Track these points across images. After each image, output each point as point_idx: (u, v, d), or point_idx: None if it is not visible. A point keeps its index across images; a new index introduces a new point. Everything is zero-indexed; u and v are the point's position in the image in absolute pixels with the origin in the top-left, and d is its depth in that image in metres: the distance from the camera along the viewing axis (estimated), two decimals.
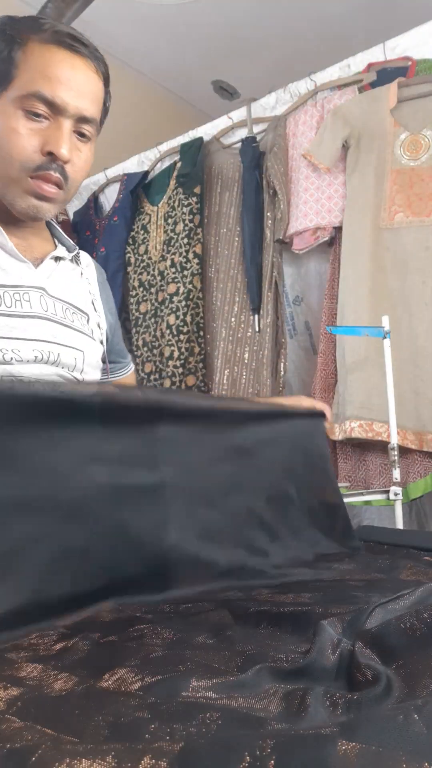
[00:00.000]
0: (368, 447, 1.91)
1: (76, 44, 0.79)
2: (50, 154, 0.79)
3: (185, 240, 2.37)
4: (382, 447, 1.83)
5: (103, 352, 0.95)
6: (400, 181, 1.86)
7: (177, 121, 3.35)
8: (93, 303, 0.96)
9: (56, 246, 0.94)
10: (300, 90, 2.17)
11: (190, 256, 2.35)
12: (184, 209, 2.38)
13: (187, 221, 2.37)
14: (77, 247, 0.98)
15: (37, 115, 0.78)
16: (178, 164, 2.45)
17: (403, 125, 1.88)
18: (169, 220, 2.46)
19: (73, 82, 0.79)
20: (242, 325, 2.23)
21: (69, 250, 0.95)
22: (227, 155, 2.37)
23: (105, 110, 0.88)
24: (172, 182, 2.48)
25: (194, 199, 2.36)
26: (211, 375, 2.27)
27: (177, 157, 2.48)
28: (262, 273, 2.17)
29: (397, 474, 1.55)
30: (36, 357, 0.80)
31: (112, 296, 1.07)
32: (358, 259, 1.90)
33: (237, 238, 2.28)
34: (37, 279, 0.85)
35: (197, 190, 2.37)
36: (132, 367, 1.13)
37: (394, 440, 1.57)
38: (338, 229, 2.00)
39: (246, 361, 2.20)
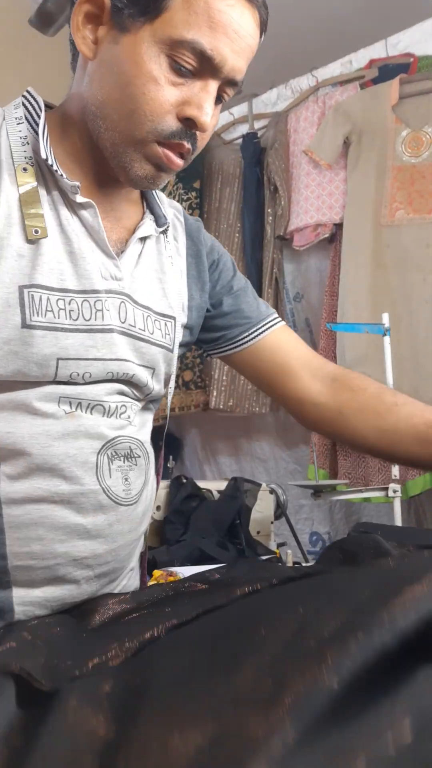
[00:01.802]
0: None
1: None
2: (188, 120, 0.63)
3: None
4: None
5: (175, 357, 0.77)
6: (401, 178, 1.86)
7: None
8: (178, 293, 0.78)
9: (143, 214, 0.75)
10: (301, 86, 2.16)
11: None
12: (184, 204, 2.37)
13: None
14: (167, 215, 0.78)
15: (185, 70, 0.61)
16: None
17: (404, 122, 1.87)
18: None
19: (238, 37, 0.62)
20: None
21: (158, 223, 0.75)
22: (228, 151, 2.36)
23: None
24: (172, 177, 2.47)
25: (194, 193, 2.36)
26: (210, 371, 2.27)
27: None
28: (263, 269, 2.17)
29: (395, 471, 1.56)
30: (107, 377, 0.67)
31: (221, 257, 0.85)
32: (358, 256, 1.90)
33: (237, 234, 2.28)
34: (119, 280, 0.68)
35: (196, 184, 2.36)
36: (274, 322, 0.86)
37: None
38: (339, 226, 2.00)
39: None
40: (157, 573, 1.12)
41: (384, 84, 1.91)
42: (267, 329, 0.84)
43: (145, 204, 0.76)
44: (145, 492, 0.70)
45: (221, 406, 2.19)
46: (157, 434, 0.87)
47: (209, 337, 0.85)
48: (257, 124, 2.27)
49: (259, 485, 1.60)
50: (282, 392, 0.84)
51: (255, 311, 0.85)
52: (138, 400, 0.72)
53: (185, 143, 0.64)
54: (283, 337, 0.85)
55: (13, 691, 0.36)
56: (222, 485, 1.58)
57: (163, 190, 2.58)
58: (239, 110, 2.35)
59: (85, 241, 0.66)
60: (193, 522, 1.42)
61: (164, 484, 1.53)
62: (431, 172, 1.83)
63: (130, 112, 0.62)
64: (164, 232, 0.77)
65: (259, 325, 0.84)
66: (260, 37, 0.67)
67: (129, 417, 0.69)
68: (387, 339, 1.60)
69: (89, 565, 0.64)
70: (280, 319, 0.86)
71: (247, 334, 0.84)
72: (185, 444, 2.70)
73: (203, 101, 0.62)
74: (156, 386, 0.74)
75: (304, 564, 1.38)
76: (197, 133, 0.65)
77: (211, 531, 1.40)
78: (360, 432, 0.80)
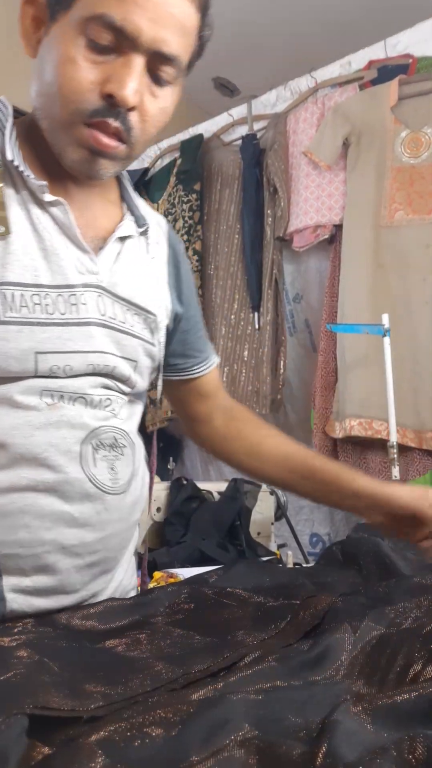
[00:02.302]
0: (368, 445, 1.91)
1: None
2: (110, 96, 0.60)
3: (185, 237, 2.36)
4: (381, 445, 1.84)
5: (159, 353, 0.79)
6: (401, 179, 1.86)
7: (177, 118, 3.33)
8: (159, 292, 0.79)
9: (124, 215, 0.75)
10: (301, 87, 2.16)
11: (190, 253, 2.35)
12: (184, 206, 2.37)
13: (186, 218, 2.36)
14: (147, 219, 0.78)
15: (103, 47, 0.60)
16: (178, 161, 2.45)
17: (403, 123, 1.87)
18: (169, 217, 2.45)
19: (152, 4, 0.59)
20: (242, 323, 2.23)
21: (138, 223, 0.76)
22: (227, 152, 2.36)
23: (199, 47, 0.67)
24: (172, 179, 2.47)
25: (194, 195, 2.36)
26: None
27: (177, 154, 2.48)
28: (262, 270, 2.17)
29: (396, 472, 1.56)
30: (88, 370, 0.68)
31: (190, 284, 0.88)
32: (358, 257, 1.90)
33: (237, 236, 2.28)
34: (96, 273, 0.69)
35: (197, 186, 2.36)
36: (214, 362, 0.94)
37: (394, 438, 1.57)
38: (338, 227, 2.00)
39: (245, 359, 2.20)
40: (157, 575, 1.12)
41: (383, 85, 1.91)
42: (210, 367, 0.92)
43: (125, 206, 0.77)
44: (134, 483, 0.71)
45: None
46: (153, 437, 0.90)
47: (167, 362, 0.88)
48: (256, 126, 2.27)
49: (260, 486, 1.60)
50: (192, 413, 0.94)
51: (206, 347, 0.93)
52: (123, 393, 0.73)
53: (110, 121, 0.62)
54: (214, 375, 0.94)
55: (26, 722, 0.34)
56: (222, 486, 1.58)
57: (163, 192, 2.59)
58: (238, 111, 2.35)
59: (58, 238, 0.67)
60: (193, 523, 1.42)
61: (164, 485, 1.53)
62: (430, 173, 1.83)
63: (54, 96, 0.62)
64: (145, 233, 0.78)
65: (207, 362, 0.92)
66: (199, 11, 0.64)
67: (114, 410, 0.70)
68: (387, 340, 1.60)
69: (78, 553, 0.65)
70: (217, 357, 0.96)
71: (196, 368, 0.91)
72: (185, 445, 2.70)
73: (124, 76, 0.60)
74: (140, 380, 0.75)
75: (304, 565, 1.38)
76: (134, 113, 0.63)
77: (211, 532, 1.40)
78: (236, 452, 0.91)
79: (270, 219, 2.16)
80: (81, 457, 0.65)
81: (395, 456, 1.56)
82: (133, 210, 0.77)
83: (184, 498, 1.47)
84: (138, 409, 0.79)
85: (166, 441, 2.68)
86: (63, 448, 0.64)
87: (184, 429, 1.00)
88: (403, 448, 1.76)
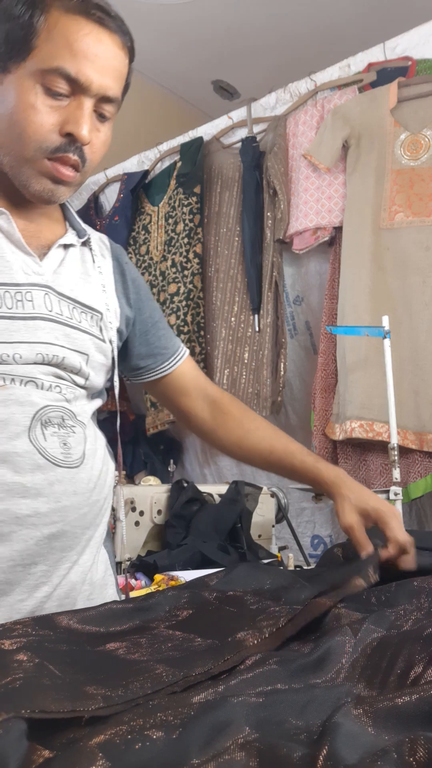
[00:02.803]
0: (369, 447, 1.91)
1: (103, 16, 0.73)
2: (69, 135, 0.74)
3: (185, 240, 2.37)
4: (382, 447, 1.83)
5: (112, 352, 0.87)
6: (401, 181, 1.86)
7: (177, 121, 3.35)
8: (105, 297, 0.88)
9: (67, 230, 0.87)
10: (300, 90, 2.17)
11: (191, 255, 2.35)
12: (185, 209, 2.38)
13: (187, 221, 2.37)
14: (88, 232, 0.89)
15: (58, 94, 0.72)
16: (179, 164, 2.45)
17: (403, 125, 1.88)
18: (170, 220, 2.46)
19: (99, 59, 0.73)
20: (242, 325, 2.23)
21: (79, 235, 0.87)
22: (227, 155, 2.37)
23: (126, 87, 0.81)
24: (173, 182, 2.48)
25: (194, 198, 2.36)
26: (211, 375, 2.27)
27: (177, 157, 2.48)
28: (262, 273, 2.17)
29: (397, 474, 1.55)
30: (38, 359, 0.75)
31: (140, 287, 0.97)
32: (358, 259, 1.90)
33: (237, 238, 2.28)
34: (41, 275, 0.79)
35: (197, 189, 2.37)
36: (182, 355, 1.00)
37: (395, 440, 1.57)
38: (338, 229, 2.00)
39: (246, 361, 2.20)
40: (158, 577, 1.12)
41: (382, 87, 1.92)
42: (179, 360, 0.99)
43: (68, 224, 0.88)
44: (90, 462, 0.77)
45: None
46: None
47: (132, 365, 0.97)
48: (256, 128, 2.27)
49: (260, 489, 1.59)
50: (177, 407, 1.01)
51: (171, 342, 0.99)
52: (76, 385, 0.80)
53: (71, 155, 0.75)
54: (187, 366, 1.01)
55: (24, 725, 0.34)
56: (223, 489, 1.58)
57: (163, 195, 2.59)
58: (238, 114, 2.36)
59: (4, 244, 0.77)
60: (194, 526, 1.42)
61: (165, 488, 1.53)
62: (430, 175, 1.83)
63: (18, 137, 0.74)
64: (86, 243, 0.88)
65: (175, 357, 0.99)
66: (128, 58, 0.79)
67: (64, 395, 0.78)
68: (387, 342, 1.60)
69: (34, 524, 0.70)
70: (184, 348, 1.02)
71: (165, 364, 0.98)
72: (186, 448, 2.70)
73: (79, 118, 0.73)
74: (93, 375, 0.82)
75: (305, 567, 1.37)
76: (87, 147, 0.76)
77: (212, 535, 1.40)
78: (225, 444, 0.99)
79: (270, 221, 2.16)
80: (30, 430, 0.72)
81: (396, 458, 1.56)
82: (74, 225, 0.88)
83: (184, 501, 1.47)
84: (96, 403, 0.86)
85: (166, 444, 2.68)
86: (12, 423, 0.71)
87: (183, 425, 1.08)
88: (403, 450, 1.76)
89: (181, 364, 0.99)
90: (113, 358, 0.87)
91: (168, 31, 3.23)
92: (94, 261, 0.88)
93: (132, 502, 1.38)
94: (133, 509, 1.38)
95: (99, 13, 0.73)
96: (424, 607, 0.53)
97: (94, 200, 2.82)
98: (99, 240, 0.93)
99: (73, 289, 0.82)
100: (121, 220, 2.60)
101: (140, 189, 2.62)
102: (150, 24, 3.14)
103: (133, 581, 1.11)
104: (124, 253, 0.98)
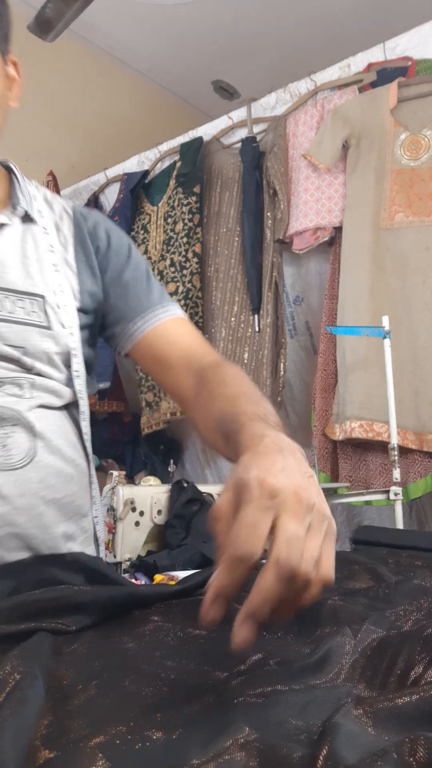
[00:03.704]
0: (368, 447, 1.91)
1: None
2: None
3: (184, 239, 2.37)
4: (382, 447, 1.83)
5: (65, 339, 0.78)
6: (401, 181, 1.87)
7: (177, 121, 3.35)
8: (58, 277, 0.80)
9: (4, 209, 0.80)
10: (300, 90, 2.17)
11: (190, 255, 2.35)
12: (184, 208, 2.38)
13: (186, 220, 2.37)
14: (50, 204, 0.83)
15: None
16: (178, 164, 2.46)
17: (403, 125, 1.88)
18: (169, 220, 2.46)
19: None
20: (242, 325, 2.23)
21: (15, 210, 0.79)
22: (227, 155, 2.37)
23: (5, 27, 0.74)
24: (172, 182, 2.48)
25: (194, 198, 2.36)
26: None
27: (177, 157, 2.48)
28: (262, 273, 2.17)
29: (397, 474, 1.56)
30: None
31: (110, 245, 0.86)
32: (358, 259, 1.91)
33: (237, 238, 2.28)
34: None
35: (197, 189, 2.37)
36: (162, 314, 0.84)
37: (394, 440, 1.57)
38: (338, 229, 2.00)
39: (245, 361, 2.21)
40: (158, 577, 1.12)
41: (382, 87, 1.92)
42: (155, 320, 0.82)
43: (11, 201, 0.81)
44: (46, 459, 0.74)
45: None
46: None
47: (110, 333, 0.86)
48: (256, 128, 2.27)
49: None
50: (162, 383, 0.84)
51: (147, 300, 0.84)
52: (27, 371, 0.75)
53: None
54: (170, 330, 0.82)
55: (22, 724, 0.34)
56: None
57: (163, 194, 2.59)
58: (238, 114, 2.36)
59: None
60: (194, 526, 1.42)
61: (165, 488, 1.53)
62: (430, 175, 1.83)
63: None
64: (29, 221, 0.80)
65: (148, 316, 0.83)
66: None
67: (6, 390, 0.73)
68: (387, 342, 1.60)
69: None
70: (172, 308, 0.84)
71: (135, 326, 0.83)
72: (186, 448, 2.70)
73: None
74: (39, 365, 0.76)
75: None
76: None
77: (212, 535, 1.40)
78: (199, 428, 0.75)
79: (270, 221, 2.16)
80: None
81: (396, 458, 1.56)
82: (15, 204, 0.80)
83: (185, 501, 1.47)
84: (64, 393, 0.79)
85: (166, 444, 2.68)
86: None
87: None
88: (403, 450, 1.76)
89: (159, 327, 0.82)
90: (67, 345, 0.78)
91: (168, 31, 3.23)
92: (41, 238, 0.80)
93: (132, 502, 1.38)
94: (133, 509, 1.39)
95: None
96: (424, 608, 0.53)
97: (94, 200, 2.82)
98: (62, 210, 0.85)
99: (5, 276, 0.75)
100: (120, 220, 2.60)
101: (140, 189, 2.62)
102: (150, 24, 3.14)
103: (133, 581, 1.11)
104: (93, 216, 0.87)
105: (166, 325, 0.83)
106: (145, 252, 2.54)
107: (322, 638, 0.48)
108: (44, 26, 2.25)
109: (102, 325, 0.86)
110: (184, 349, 0.81)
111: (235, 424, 0.55)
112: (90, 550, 0.81)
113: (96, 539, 0.84)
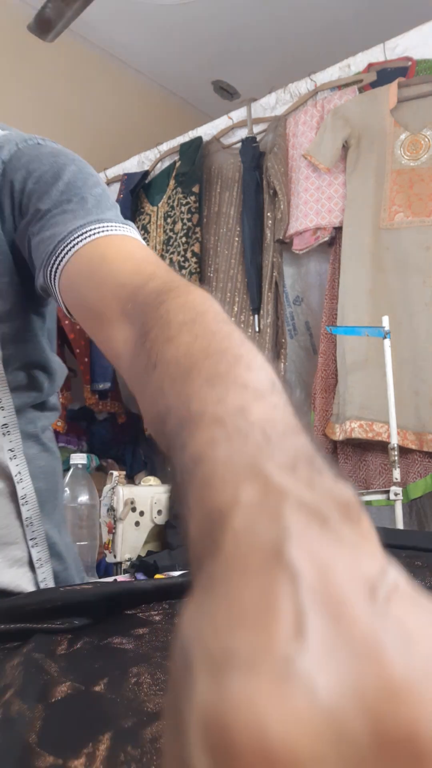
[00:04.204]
0: (368, 447, 1.91)
1: None
2: None
3: (183, 239, 2.37)
4: (382, 447, 1.83)
5: None
6: (400, 182, 1.87)
7: (177, 121, 3.35)
8: None
9: None
10: (300, 90, 2.17)
11: (189, 255, 2.35)
12: (183, 208, 2.38)
13: (185, 220, 2.37)
14: None
15: None
16: (178, 164, 2.46)
17: (403, 125, 1.88)
18: (168, 220, 2.46)
19: None
20: (242, 325, 2.23)
21: None
22: (227, 155, 2.37)
23: None
24: (172, 182, 2.48)
25: (193, 198, 2.36)
26: None
27: (177, 157, 2.48)
28: (262, 273, 2.17)
29: (397, 474, 1.55)
30: None
31: (28, 176, 0.60)
32: (358, 259, 1.90)
33: (237, 238, 2.28)
34: None
35: (196, 189, 2.37)
36: (110, 231, 0.53)
37: (394, 440, 1.57)
38: (338, 230, 2.00)
39: None
40: (158, 577, 1.12)
41: (382, 88, 1.92)
42: (79, 242, 0.52)
43: None
44: None
45: None
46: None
47: (37, 285, 0.60)
48: (256, 129, 2.27)
49: None
50: (95, 337, 0.51)
51: (71, 223, 0.54)
52: None
53: None
54: (105, 250, 0.51)
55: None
56: None
57: (163, 194, 2.59)
58: (238, 114, 2.36)
59: None
60: None
61: (165, 488, 1.53)
62: (430, 176, 1.83)
63: None
64: None
65: (69, 239, 0.53)
66: None
67: None
68: (387, 342, 1.60)
69: None
70: (114, 226, 0.54)
71: (57, 255, 0.53)
72: None
73: None
74: None
75: None
76: None
77: None
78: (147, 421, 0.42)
79: (270, 221, 2.16)
80: None
81: (396, 458, 1.56)
82: None
83: None
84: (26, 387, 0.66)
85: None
86: None
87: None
88: (403, 450, 1.76)
89: (86, 247, 0.52)
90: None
91: (168, 31, 3.23)
92: None
93: (132, 502, 1.38)
94: (133, 509, 1.38)
95: None
96: None
97: None
98: None
99: None
100: None
101: (140, 189, 2.62)
102: (150, 24, 3.14)
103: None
104: (6, 146, 0.63)
105: (98, 244, 0.52)
106: None
107: None
108: (44, 26, 2.25)
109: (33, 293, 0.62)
110: (121, 277, 0.48)
111: (181, 451, 0.26)
112: (25, 580, 0.68)
113: (32, 564, 0.69)
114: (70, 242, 0.52)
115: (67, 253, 0.52)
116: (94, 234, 0.52)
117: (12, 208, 0.60)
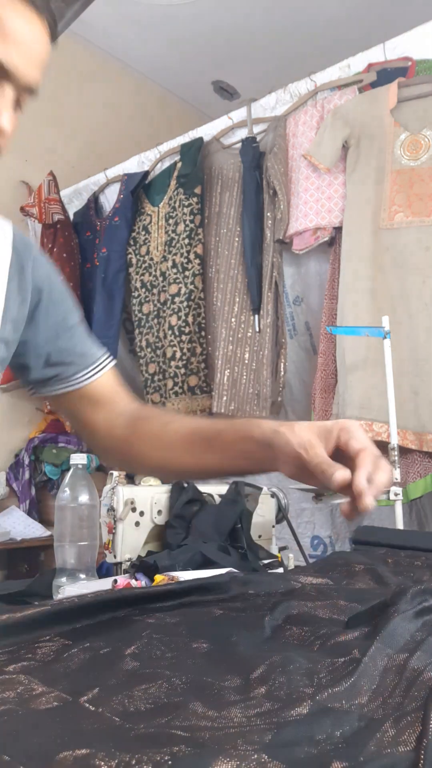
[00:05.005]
0: None
1: (41, 4, 0.65)
2: None
3: (186, 240, 2.37)
4: (382, 447, 1.83)
5: None
6: (400, 182, 1.87)
7: (177, 121, 3.35)
8: None
9: None
10: (300, 90, 2.17)
11: (191, 256, 2.35)
12: (185, 209, 2.38)
13: (187, 221, 2.37)
14: None
15: None
16: (179, 165, 2.45)
17: (403, 125, 1.88)
18: (170, 221, 2.46)
19: (29, 44, 0.64)
20: (242, 326, 2.23)
21: None
22: (227, 155, 2.37)
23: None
24: (173, 183, 2.48)
25: (195, 199, 2.36)
26: (212, 375, 2.27)
27: (177, 158, 2.48)
28: (262, 273, 2.17)
29: (397, 474, 1.55)
30: None
31: (53, 288, 0.85)
32: (358, 259, 1.90)
33: (237, 239, 2.28)
34: None
35: (198, 190, 2.37)
36: (105, 364, 0.87)
37: (394, 440, 1.57)
38: (338, 230, 2.00)
39: (246, 362, 2.21)
40: (158, 578, 1.12)
41: (382, 88, 1.92)
42: (101, 370, 0.85)
43: None
44: None
45: (222, 411, 2.20)
46: None
47: (42, 375, 0.84)
48: (256, 129, 2.27)
49: (260, 489, 1.59)
50: (87, 426, 0.86)
51: (89, 350, 0.85)
52: None
53: None
54: (110, 377, 0.86)
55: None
56: (223, 489, 1.58)
57: (163, 195, 2.60)
58: (238, 115, 2.36)
59: None
60: (194, 526, 1.42)
61: (165, 489, 1.53)
62: (430, 175, 1.83)
63: None
64: None
65: (97, 366, 0.85)
66: (50, 44, 0.69)
67: None
68: (387, 342, 1.60)
69: None
70: (110, 357, 0.87)
71: (84, 373, 0.84)
72: None
73: (1, 108, 0.65)
74: None
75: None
76: (2, 137, 0.67)
77: (212, 535, 1.40)
78: (140, 454, 0.82)
79: (270, 222, 2.16)
80: None
81: (396, 458, 1.56)
82: None
83: (185, 501, 1.47)
84: None
85: None
86: None
87: (85, 442, 0.93)
88: (403, 450, 1.76)
89: (102, 377, 0.85)
90: None
91: (168, 32, 3.23)
92: None
93: (132, 503, 1.38)
94: (133, 509, 1.38)
95: (39, 4, 0.65)
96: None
97: (94, 201, 2.82)
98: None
99: None
100: (121, 221, 2.60)
101: (140, 189, 2.62)
102: (150, 24, 3.14)
103: (133, 582, 1.11)
104: (33, 247, 0.84)
105: (108, 373, 0.86)
106: (147, 253, 2.54)
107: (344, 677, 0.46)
108: None
109: (20, 363, 0.84)
110: (118, 394, 0.87)
111: (225, 424, 0.72)
112: None
113: None
114: (97, 366, 0.86)
115: (95, 373, 0.86)
116: (108, 364, 0.87)
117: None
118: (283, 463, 0.66)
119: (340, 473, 0.61)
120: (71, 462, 1.13)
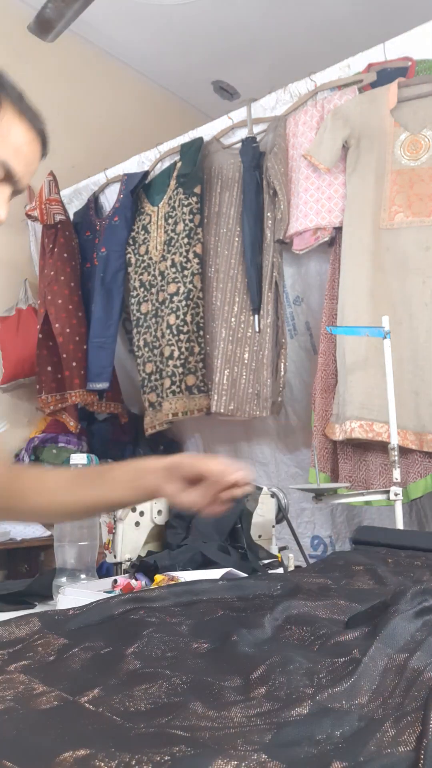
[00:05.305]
0: (368, 447, 1.91)
1: (41, 127, 0.85)
2: None
3: (185, 240, 2.37)
4: (382, 447, 1.83)
5: None
6: (400, 182, 1.86)
7: (177, 121, 3.35)
8: None
9: None
10: (300, 90, 2.16)
11: (191, 255, 2.35)
12: (184, 209, 2.38)
13: (187, 221, 2.37)
14: None
15: None
16: (179, 164, 2.45)
17: (403, 125, 1.88)
18: (170, 220, 2.46)
19: (32, 164, 0.84)
20: (242, 325, 2.23)
21: None
22: (227, 155, 2.37)
23: None
24: (173, 182, 2.47)
25: (194, 198, 2.36)
26: (211, 375, 2.27)
27: (177, 158, 2.48)
28: (262, 273, 2.17)
29: (397, 474, 1.55)
30: None
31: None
32: (358, 259, 1.90)
33: (237, 238, 2.28)
34: None
35: (197, 190, 2.37)
36: None
37: (395, 440, 1.57)
38: (338, 230, 2.00)
39: (246, 361, 2.20)
40: (158, 578, 1.12)
41: (382, 88, 1.92)
42: None
43: None
44: None
45: (222, 410, 2.19)
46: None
47: None
48: (256, 129, 2.27)
49: (260, 489, 1.59)
50: None
51: None
52: None
53: None
54: None
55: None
56: None
57: (163, 195, 2.60)
58: (238, 115, 2.36)
59: None
60: (194, 526, 1.42)
61: None
62: (430, 176, 1.83)
63: None
64: None
65: None
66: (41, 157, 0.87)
67: None
68: (387, 342, 1.60)
69: None
70: None
71: None
72: (186, 448, 2.70)
73: (2, 203, 0.81)
74: None
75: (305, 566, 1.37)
76: None
77: (212, 535, 1.40)
78: (22, 502, 0.87)
79: (270, 222, 2.16)
80: None
81: (396, 458, 1.56)
82: None
83: None
84: None
85: (166, 444, 2.68)
86: None
87: None
88: (403, 450, 1.76)
89: None
90: None
91: (168, 31, 3.23)
92: None
93: None
94: (133, 509, 1.38)
95: (40, 126, 0.85)
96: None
97: (94, 201, 2.82)
98: None
99: None
100: (120, 220, 2.60)
101: (140, 189, 2.61)
102: (150, 24, 3.14)
103: (133, 582, 1.11)
104: None
105: None
106: (146, 252, 2.54)
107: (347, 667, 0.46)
108: (44, 26, 2.25)
109: None
110: None
111: (105, 468, 0.85)
112: None
113: None
114: None
115: None
116: None
117: None
118: (169, 483, 0.78)
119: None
120: (71, 462, 1.13)
